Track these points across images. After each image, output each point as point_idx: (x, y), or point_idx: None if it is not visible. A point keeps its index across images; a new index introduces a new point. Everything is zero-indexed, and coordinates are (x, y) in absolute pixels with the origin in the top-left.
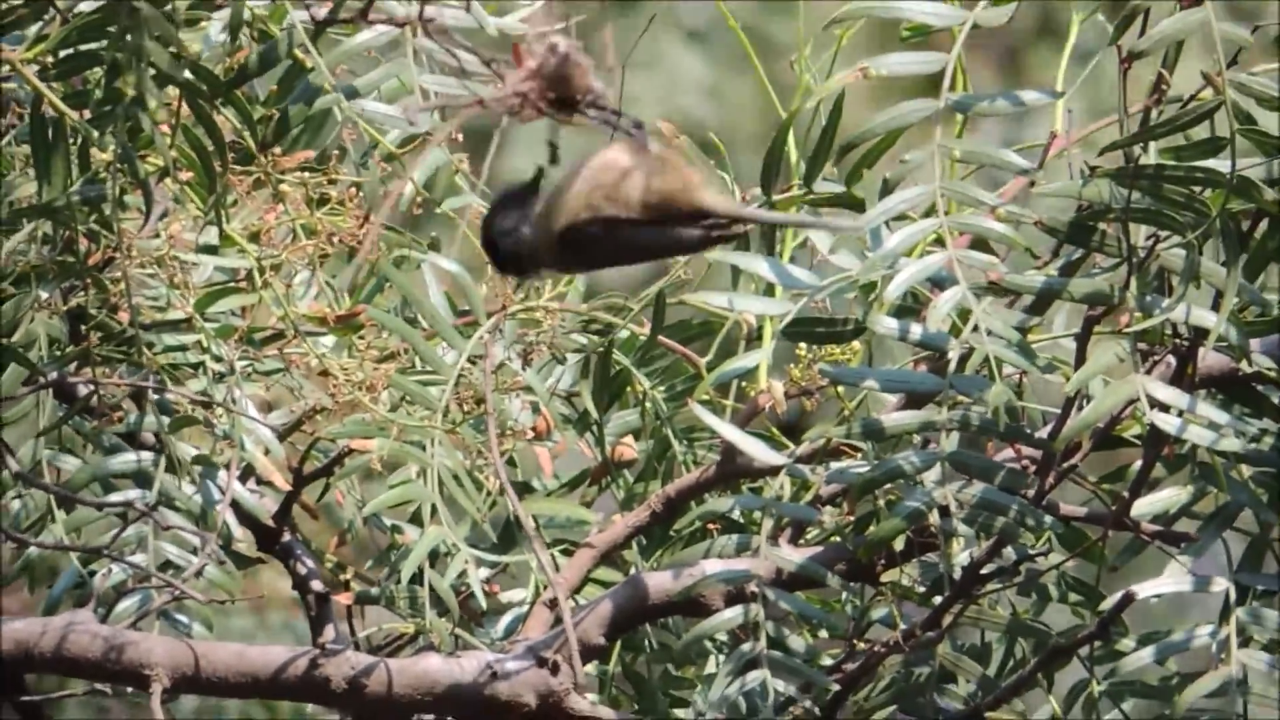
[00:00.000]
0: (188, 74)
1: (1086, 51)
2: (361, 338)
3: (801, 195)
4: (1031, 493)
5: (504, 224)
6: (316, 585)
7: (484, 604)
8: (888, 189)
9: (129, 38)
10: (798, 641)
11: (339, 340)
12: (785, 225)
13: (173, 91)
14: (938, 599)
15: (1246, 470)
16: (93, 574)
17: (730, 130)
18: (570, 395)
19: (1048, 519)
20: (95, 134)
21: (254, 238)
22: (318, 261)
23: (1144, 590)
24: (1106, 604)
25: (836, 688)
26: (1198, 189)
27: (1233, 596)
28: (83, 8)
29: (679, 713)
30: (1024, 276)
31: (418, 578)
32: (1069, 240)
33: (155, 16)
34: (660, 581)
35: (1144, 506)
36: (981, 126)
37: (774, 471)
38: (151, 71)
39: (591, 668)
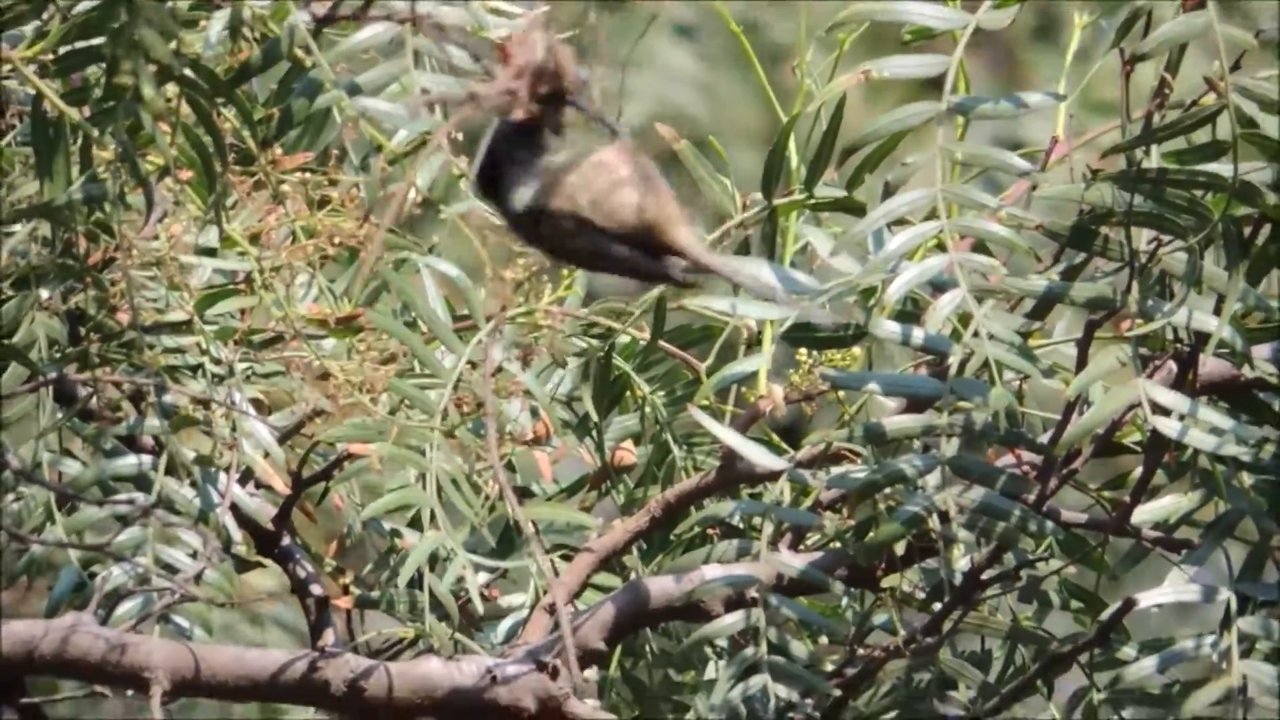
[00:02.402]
0: (188, 72)
1: (1082, 50)
2: (361, 340)
3: (802, 200)
4: (1032, 498)
5: (515, 152)
6: (315, 589)
7: (481, 608)
8: (889, 192)
9: (126, 31)
10: (798, 647)
11: (339, 343)
12: (744, 285)
13: (172, 90)
14: (938, 605)
15: (1247, 478)
16: (93, 576)
17: (723, 125)
18: (570, 400)
19: (1048, 525)
20: (96, 132)
21: (254, 239)
22: (318, 263)
23: (1145, 599)
24: (1107, 611)
25: (837, 693)
26: (1200, 193)
27: (1233, 606)
28: (83, 5)
29: (679, 718)
30: (1025, 280)
31: (417, 582)
32: (1070, 244)
33: (152, 6)
34: (660, 587)
35: (1144, 514)
36: (976, 127)
37: (774, 477)
38: (152, 67)
39: (591, 673)
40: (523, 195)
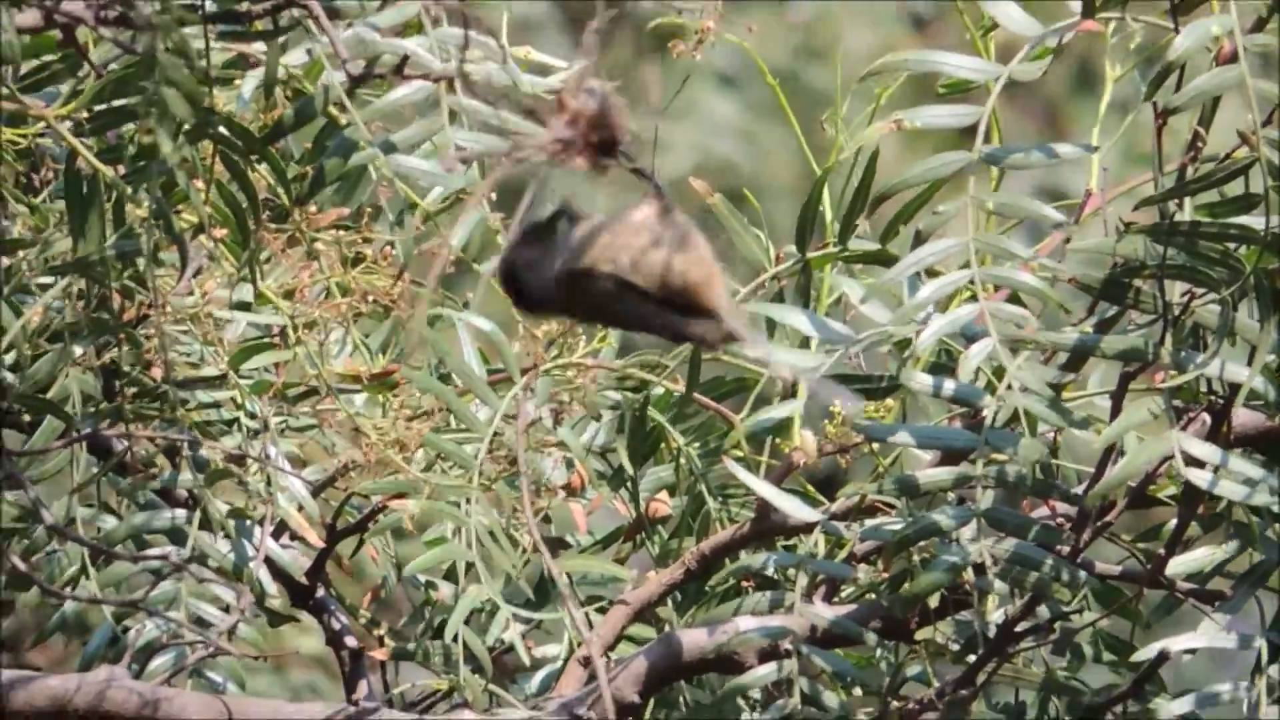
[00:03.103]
0: (222, 129)
1: (1123, 102)
2: (395, 395)
3: (836, 253)
4: (1066, 550)
5: (527, 256)
6: (350, 642)
7: (526, 659)
8: (920, 241)
9: (147, 90)
10: (832, 699)
11: (372, 398)
12: (761, 362)
13: (207, 147)
14: (972, 657)
15: None
16: (127, 630)
17: (764, 175)
18: (605, 451)
19: (1082, 575)
20: (130, 189)
21: (288, 295)
22: (351, 319)
23: (1177, 644)
24: (1139, 654)
25: None
26: (1232, 246)
27: (1264, 654)
28: (117, 63)
29: None
30: (1059, 333)
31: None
32: (1103, 297)
33: (174, 65)
34: (694, 639)
35: (1178, 565)
36: (1022, 177)
37: (809, 528)
38: (184, 124)
39: None
40: (559, 263)
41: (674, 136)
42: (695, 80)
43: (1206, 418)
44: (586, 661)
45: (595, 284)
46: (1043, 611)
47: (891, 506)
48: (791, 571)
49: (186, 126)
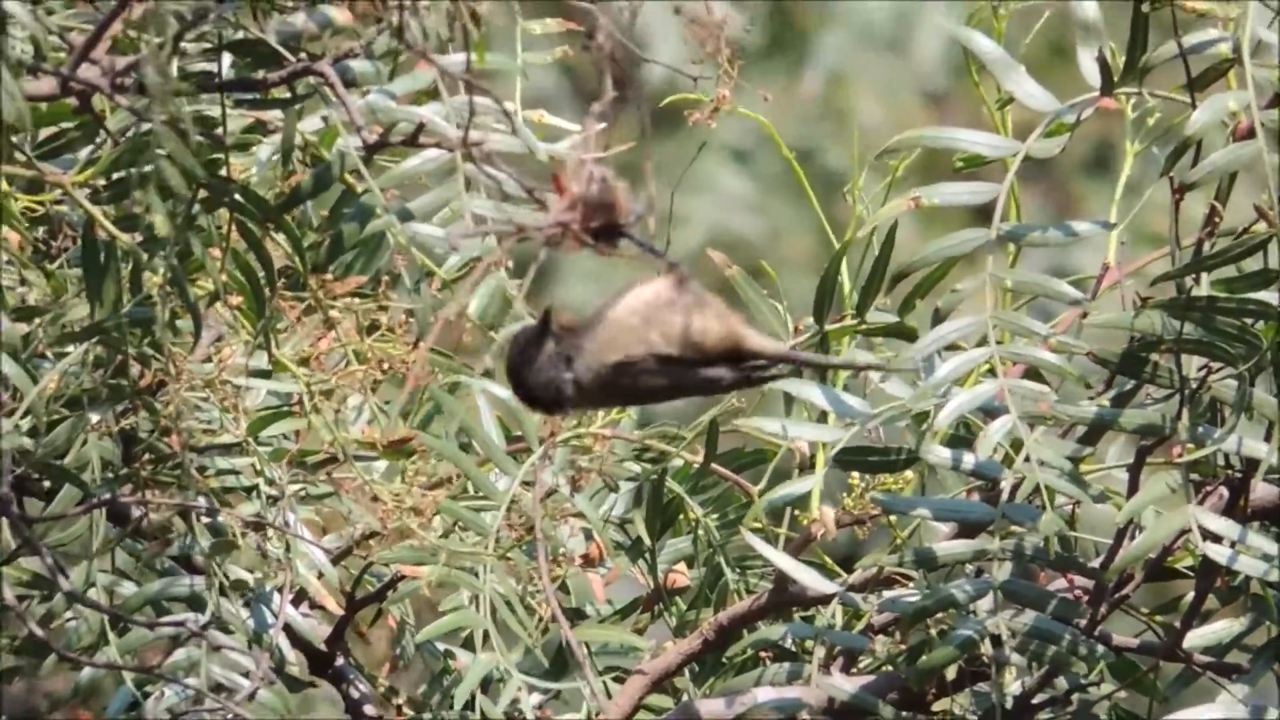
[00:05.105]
0: (238, 197)
1: (1134, 182)
2: (413, 463)
3: (854, 325)
4: (1084, 623)
5: (531, 361)
6: (369, 710)
7: None
8: (939, 318)
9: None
10: None
11: (392, 466)
12: (828, 366)
13: (224, 214)
14: None
15: None
16: (146, 696)
17: (779, 249)
18: (623, 522)
19: (1100, 648)
20: (146, 257)
21: (304, 362)
22: (369, 387)
23: (1191, 715)
24: None
25: None
26: (1249, 321)
27: None
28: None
29: None
30: (1077, 407)
31: (469, 704)
32: (1121, 371)
33: (170, 138)
34: (712, 709)
35: (1196, 638)
36: (1034, 258)
37: (826, 600)
38: (181, 198)
39: None
40: (582, 368)
41: (688, 211)
42: (708, 155)
43: (1224, 492)
44: None
45: (635, 368)
46: (1060, 683)
47: (909, 578)
48: (809, 643)
49: (201, 195)
